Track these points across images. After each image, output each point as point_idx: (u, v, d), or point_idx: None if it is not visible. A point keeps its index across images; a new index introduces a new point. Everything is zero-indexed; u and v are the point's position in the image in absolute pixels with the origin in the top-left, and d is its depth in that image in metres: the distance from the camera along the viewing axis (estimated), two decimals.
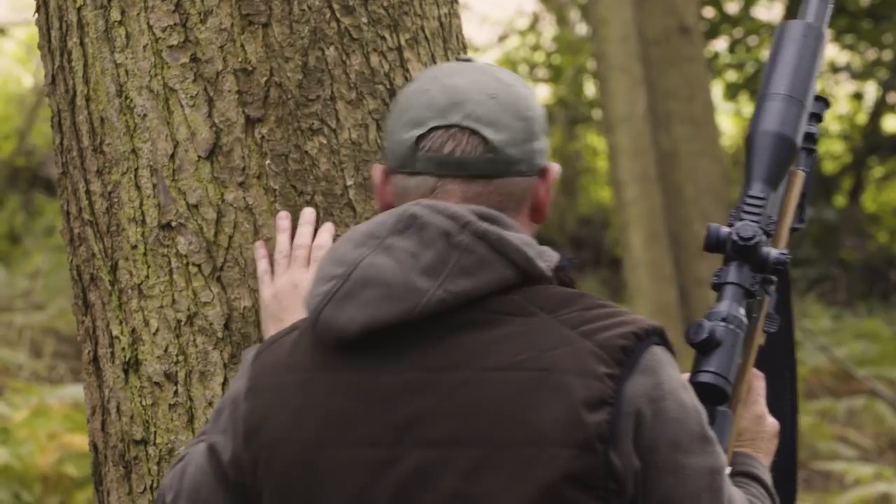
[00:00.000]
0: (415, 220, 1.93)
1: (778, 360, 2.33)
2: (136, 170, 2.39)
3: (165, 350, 2.37)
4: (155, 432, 2.38)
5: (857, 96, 16.84)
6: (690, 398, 1.91)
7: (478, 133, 1.98)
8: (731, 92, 17.19)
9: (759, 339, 2.22)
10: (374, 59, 2.40)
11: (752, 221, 2.16)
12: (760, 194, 2.17)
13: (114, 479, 2.44)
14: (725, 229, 2.13)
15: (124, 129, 2.40)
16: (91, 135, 2.43)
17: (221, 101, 2.36)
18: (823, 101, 2.37)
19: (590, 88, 17.50)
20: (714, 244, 2.13)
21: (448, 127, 1.98)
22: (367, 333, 1.90)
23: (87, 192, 2.44)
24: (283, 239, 2.32)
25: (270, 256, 2.33)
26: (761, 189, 2.18)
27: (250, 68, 2.36)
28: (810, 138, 2.35)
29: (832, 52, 17.10)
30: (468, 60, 2.09)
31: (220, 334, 2.35)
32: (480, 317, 1.91)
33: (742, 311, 2.11)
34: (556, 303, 1.92)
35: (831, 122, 17.66)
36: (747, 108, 17.71)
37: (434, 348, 1.90)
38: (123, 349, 2.41)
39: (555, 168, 2.05)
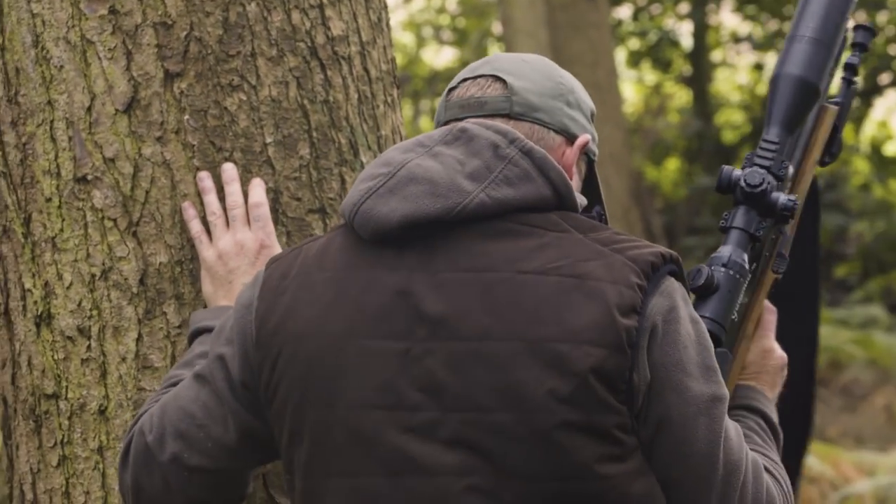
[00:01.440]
0: (464, 132, 2.01)
1: (800, 294, 2.38)
2: (52, 122, 2.36)
3: (79, 304, 2.35)
4: (66, 387, 2.36)
5: (758, 67, 17.03)
6: (700, 331, 1.97)
7: (500, 79, 2.07)
8: (634, 59, 17.30)
9: (770, 279, 2.28)
10: (296, 16, 2.39)
11: (762, 167, 2.21)
12: (775, 139, 2.22)
13: (23, 433, 2.42)
14: (737, 172, 2.18)
15: (40, 80, 2.37)
16: (5, 85, 2.40)
17: (140, 54, 2.34)
18: (869, 30, 2.38)
19: (494, 51, 17.50)
20: (725, 186, 2.19)
21: (475, 77, 2.10)
22: (407, 226, 1.96)
23: (1, 143, 2.41)
24: (211, 199, 2.31)
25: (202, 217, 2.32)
26: (777, 133, 2.22)
27: (170, 22, 2.34)
28: (851, 69, 2.37)
29: (733, 22, 17.27)
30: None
31: (134, 289, 2.33)
32: (517, 227, 1.97)
33: (745, 256, 2.19)
34: (587, 226, 2.00)
35: (731, 93, 17.86)
36: (649, 75, 17.86)
37: (470, 251, 1.96)
38: (36, 302, 2.39)
39: (585, 136, 2.11)
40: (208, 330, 2.24)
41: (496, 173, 1.97)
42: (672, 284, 1.96)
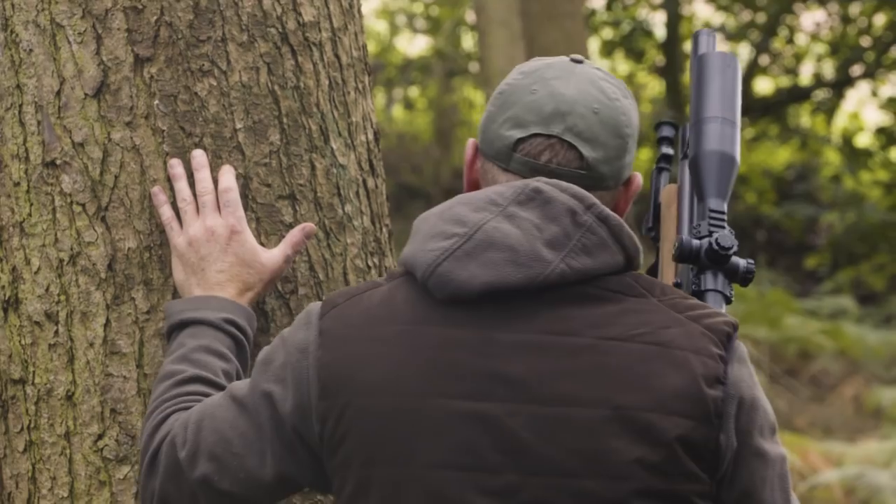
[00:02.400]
0: (539, 193, 1.99)
1: None
2: (21, 106, 2.35)
3: (47, 289, 2.34)
4: (34, 372, 2.35)
5: (734, 53, 17.06)
6: (762, 392, 2.02)
7: (575, 148, 2.05)
8: (607, 49, 17.32)
9: None
10: (267, 1, 2.38)
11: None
12: (721, 208, 2.25)
13: None
14: (697, 241, 2.18)
15: (9, 63, 2.36)
16: None
17: (110, 38, 2.33)
18: (673, 125, 2.48)
19: (468, 41, 17.50)
20: (687, 255, 2.19)
21: (548, 136, 2.05)
22: (487, 293, 1.94)
23: None
24: (182, 186, 2.30)
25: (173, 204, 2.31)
26: (718, 203, 2.25)
27: (140, 6, 2.33)
28: (666, 159, 2.47)
29: (707, 12, 17.31)
30: (580, 62, 2.12)
31: (103, 275, 2.33)
32: (595, 292, 1.98)
33: None
34: (657, 289, 2.02)
35: None
36: (622, 65, 17.87)
37: (549, 315, 1.96)
38: (3, 287, 2.38)
39: (638, 179, 2.12)
40: (195, 322, 2.23)
41: (574, 241, 1.97)
42: (743, 351, 2.00)
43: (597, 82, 2.09)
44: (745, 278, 2.23)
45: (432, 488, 1.93)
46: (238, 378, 2.22)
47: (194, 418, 2.08)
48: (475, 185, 2.12)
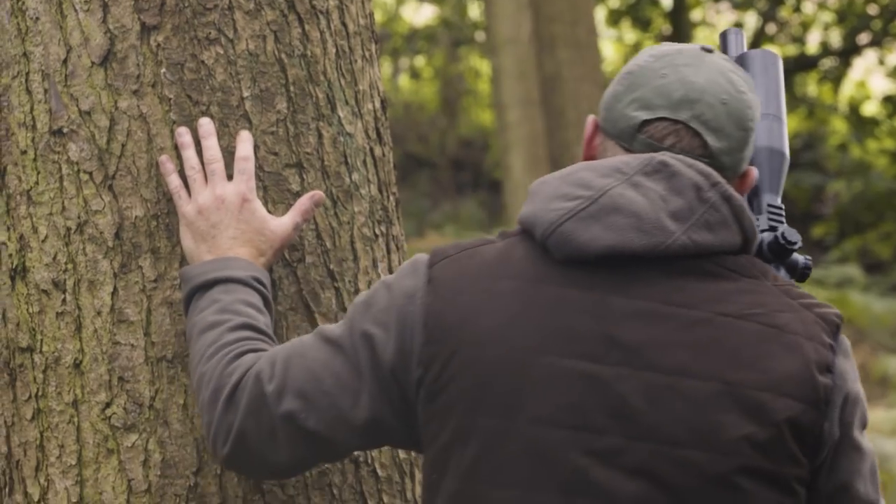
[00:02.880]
0: (665, 166, 2.01)
1: None
2: (28, 74, 2.35)
3: (54, 258, 2.35)
4: (41, 340, 2.36)
5: (738, 26, 17.02)
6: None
7: (700, 136, 2.06)
8: (614, 18, 17.29)
9: None
10: None
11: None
12: (778, 203, 2.30)
13: None
14: (759, 235, 2.21)
15: (16, 31, 2.36)
16: None
17: (116, 6, 2.33)
18: None
19: (474, 10, 17.47)
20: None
21: (675, 122, 2.06)
22: (608, 256, 1.97)
23: None
24: (190, 154, 2.31)
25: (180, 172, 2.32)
26: (773, 198, 2.31)
27: None
28: None
29: None
30: (710, 51, 2.13)
31: (110, 243, 2.33)
32: (713, 268, 2.00)
33: None
34: (771, 273, 2.05)
35: None
36: (629, 34, 17.84)
37: (667, 285, 1.98)
38: (11, 256, 2.38)
39: (753, 173, 2.14)
40: (225, 280, 2.23)
41: (698, 215, 1.99)
42: (848, 344, 2.04)
43: (726, 73, 2.10)
44: (803, 274, 2.28)
45: (534, 443, 1.95)
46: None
47: (282, 356, 2.10)
48: (590, 160, 2.13)
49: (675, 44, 2.16)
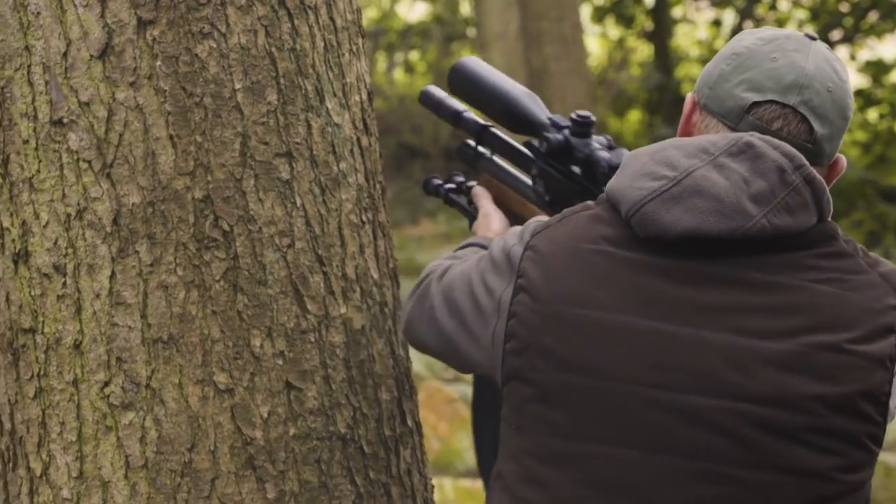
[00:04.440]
0: (750, 147, 2.03)
1: None
2: (29, 66, 2.42)
3: (55, 243, 2.41)
4: (43, 322, 2.42)
5: (716, 23, 17.09)
6: None
7: (807, 121, 2.08)
8: (599, 15, 17.35)
9: None
10: None
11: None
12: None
13: (2, 365, 2.48)
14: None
15: (18, 25, 2.42)
16: None
17: (114, 2, 2.38)
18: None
19: (465, 7, 17.54)
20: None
21: (783, 105, 2.08)
22: (687, 238, 2.01)
23: None
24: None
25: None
26: None
27: None
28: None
29: None
30: (814, 38, 2.14)
31: (108, 229, 2.39)
32: (788, 242, 2.03)
33: None
34: (841, 236, 2.08)
35: (692, 48, 17.92)
36: (613, 30, 17.90)
37: (745, 255, 2.02)
38: (14, 240, 2.44)
39: (842, 161, 2.16)
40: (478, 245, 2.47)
41: (779, 199, 2.01)
42: None
43: (831, 62, 2.12)
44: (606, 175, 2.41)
45: (619, 400, 2.01)
46: None
47: (456, 263, 2.30)
48: (686, 136, 2.16)
49: (781, 29, 2.17)
